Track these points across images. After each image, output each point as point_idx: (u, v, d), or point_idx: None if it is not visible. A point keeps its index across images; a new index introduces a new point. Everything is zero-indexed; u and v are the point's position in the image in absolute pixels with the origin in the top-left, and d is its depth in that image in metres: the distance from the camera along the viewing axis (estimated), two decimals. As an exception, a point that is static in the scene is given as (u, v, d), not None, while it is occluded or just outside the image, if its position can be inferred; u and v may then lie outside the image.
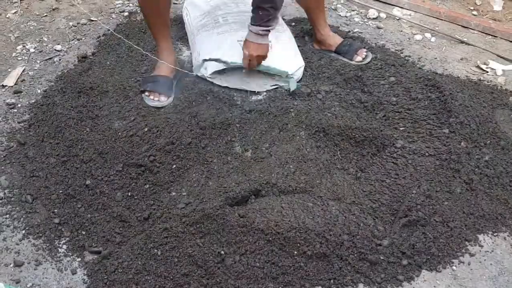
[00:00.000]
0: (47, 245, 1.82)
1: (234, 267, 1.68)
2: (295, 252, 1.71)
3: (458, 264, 1.78)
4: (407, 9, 3.20)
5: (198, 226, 1.75)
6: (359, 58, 2.52)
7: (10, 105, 2.37)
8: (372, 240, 1.76)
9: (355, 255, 1.73)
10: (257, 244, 1.72)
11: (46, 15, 3.04)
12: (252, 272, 1.68)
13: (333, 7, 3.18)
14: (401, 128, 2.16)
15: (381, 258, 1.73)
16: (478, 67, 2.70)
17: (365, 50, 2.56)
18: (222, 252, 1.70)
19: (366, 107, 2.25)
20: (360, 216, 1.83)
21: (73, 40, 2.84)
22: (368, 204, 1.88)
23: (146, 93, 2.24)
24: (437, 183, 1.94)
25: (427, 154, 2.04)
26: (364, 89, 2.35)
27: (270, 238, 1.72)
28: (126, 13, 3.04)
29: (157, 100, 2.22)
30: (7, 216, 1.90)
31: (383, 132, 2.10)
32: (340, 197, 1.91)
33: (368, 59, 2.52)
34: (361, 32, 2.92)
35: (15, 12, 3.06)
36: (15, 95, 2.43)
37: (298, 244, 1.71)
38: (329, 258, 1.72)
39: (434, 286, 1.71)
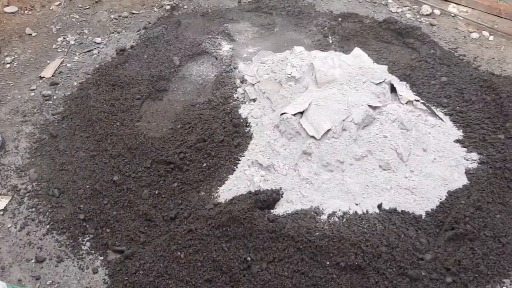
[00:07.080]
0: (71, 241, 1.76)
1: (260, 275, 1.56)
2: (327, 263, 1.57)
3: (510, 284, 1.60)
4: (463, 5, 2.99)
5: (224, 229, 1.64)
6: None
7: (46, 96, 2.34)
8: (414, 254, 1.60)
9: (394, 269, 1.57)
10: (286, 251, 1.60)
11: (88, 8, 3.02)
12: (280, 281, 1.55)
13: (383, 2, 3.01)
14: (451, 132, 1.99)
15: (423, 274, 1.56)
16: (540, 68, 2.48)
17: None
18: (249, 258, 1.59)
19: (413, 108, 2.09)
20: (401, 227, 1.67)
21: (113, 33, 2.79)
22: (411, 213, 1.73)
23: None
24: (489, 193, 1.76)
25: (479, 161, 1.86)
26: (413, 89, 2.19)
27: (301, 246, 1.59)
28: (168, 7, 2.98)
29: None
30: (33, 209, 1.86)
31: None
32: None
33: None
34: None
35: (58, 4, 3.05)
36: (52, 87, 2.41)
37: (331, 254, 1.58)
38: (365, 271, 1.57)
39: (482, 308, 1.54)
